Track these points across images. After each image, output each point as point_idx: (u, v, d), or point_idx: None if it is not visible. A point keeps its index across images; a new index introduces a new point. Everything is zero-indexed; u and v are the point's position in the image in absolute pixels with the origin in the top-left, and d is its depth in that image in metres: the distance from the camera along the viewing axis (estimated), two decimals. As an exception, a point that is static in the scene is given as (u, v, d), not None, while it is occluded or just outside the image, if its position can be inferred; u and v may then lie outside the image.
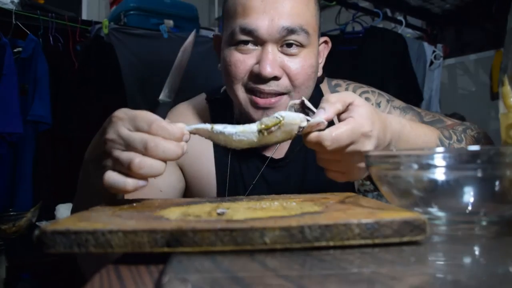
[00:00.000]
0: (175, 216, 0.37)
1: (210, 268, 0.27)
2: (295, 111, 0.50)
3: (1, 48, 1.65)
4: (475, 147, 0.38)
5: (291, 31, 0.61)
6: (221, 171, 0.72)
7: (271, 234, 0.30)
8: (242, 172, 0.73)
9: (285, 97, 0.64)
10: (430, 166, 0.37)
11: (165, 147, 0.42)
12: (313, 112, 0.49)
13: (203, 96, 0.80)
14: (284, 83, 0.62)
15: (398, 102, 0.77)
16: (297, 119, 0.47)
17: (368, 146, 0.48)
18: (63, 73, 1.86)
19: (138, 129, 0.43)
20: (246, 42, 0.62)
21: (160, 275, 0.28)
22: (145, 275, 0.29)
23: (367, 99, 0.76)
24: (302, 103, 0.50)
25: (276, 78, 0.61)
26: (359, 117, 0.47)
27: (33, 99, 1.72)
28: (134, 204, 0.46)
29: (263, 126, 0.46)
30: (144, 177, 0.42)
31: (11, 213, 1.56)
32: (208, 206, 0.43)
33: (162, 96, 0.53)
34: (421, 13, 2.53)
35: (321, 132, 0.46)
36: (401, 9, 2.45)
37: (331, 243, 0.31)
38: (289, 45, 0.62)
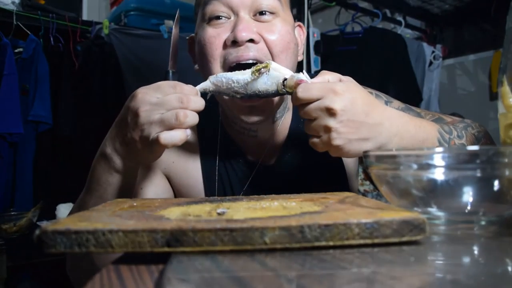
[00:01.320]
0: (175, 216, 0.37)
1: (210, 268, 0.27)
2: None
3: (2, 49, 1.65)
4: (474, 147, 0.38)
5: None
6: (209, 180, 0.72)
7: (271, 234, 0.30)
8: (231, 180, 0.72)
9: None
10: (429, 166, 0.37)
11: (194, 99, 0.51)
12: None
13: None
14: (263, 48, 0.61)
15: (396, 103, 0.77)
16: (283, 70, 0.55)
17: (336, 103, 0.49)
18: (63, 73, 1.86)
19: (166, 94, 0.51)
20: (218, 17, 0.62)
21: (160, 274, 0.28)
22: (145, 274, 0.29)
23: None
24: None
25: (253, 41, 0.60)
26: (337, 81, 0.52)
27: (33, 99, 1.73)
28: (134, 204, 0.47)
29: (255, 67, 0.55)
30: (188, 127, 0.50)
31: (12, 213, 1.56)
32: (208, 206, 0.44)
33: (169, 67, 0.61)
34: (420, 14, 2.53)
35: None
36: (400, 9, 2.45)
37: (331, 243, 0.31)
38: (262, 13, 0.62)
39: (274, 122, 0.71)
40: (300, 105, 0.52)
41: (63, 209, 1.68)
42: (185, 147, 0.72)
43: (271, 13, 0.62)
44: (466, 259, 0.31)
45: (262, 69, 0.55)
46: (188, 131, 0.51)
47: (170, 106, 0.50)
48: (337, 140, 0.50)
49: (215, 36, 0.62)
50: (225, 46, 0.62)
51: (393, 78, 2.24)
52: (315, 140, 0.53)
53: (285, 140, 0.73)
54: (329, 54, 2.19)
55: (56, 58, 1.85)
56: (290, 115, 0.74)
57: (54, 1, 2.01)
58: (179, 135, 0.50)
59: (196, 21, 0.70)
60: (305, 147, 0.72)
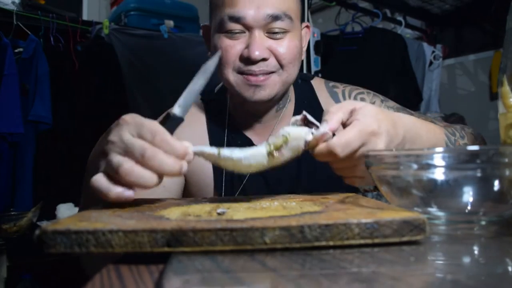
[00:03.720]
0: (175, 216, 0.37)
1: (210, 267, 0.27)
2: (298, 126, 0.49)
3: (2, 49, 1.65)
4: (474, 147, 0.38)
5: (275, 17, 0.65)
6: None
7: (271, 233, 0.30)
8: None
9: (273, 75, 0.68)
10: (429, 166, 0.37)
11: (162, 160, 0.41)
12: (317, 126, 0.48)
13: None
14: (272, 63, 0.67)
15: (392, 103, 0.79)
16: (302, 133, 0.46)
17: (380, 144, 0.47)
18: (63, 73, 1.86)
19: (141, 137, 0.42)
20: (234, 31, 0.66)
21: (160, 274, 0.28)
22: (145, 274, 0.29)
23: (362, 99, 0.79)
24: (305, 118, 0.49)
25: (264, 59, 0.66)
26: (363, 118, 0.47)
27: (33, 99, 1.72)
28: (134, 204, 0.46)
29: (271, 147, 0.44)
30: (131, 186, 0.41)
31: (12, 213, 1.56)
32: (208, 206, 0.44)
33: (174, 110, 0.49)
34: (420, 14, 2.53)
35: (330, 141, 0.45)
36: (400, 9, 2.45)
37: (331, 243, 0.31)
38: (275, 32, 0.67)
39: (277, 111, 0.76)
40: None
41: (63, 209, 1.68)
42: (195, 134, 0.76)
43: (283, 32, 0.67)
44: (466, 259, 0.31)
45: (282, 148, 0.45)
46: (127, 193, 0.41)
47: (130, 152, 0.41)
48: None
49: (231, 46, 0.67)
50: (240, 57, 0.67)
51: (393, 78, 2.24)
52: (356, 179, 0.51)
53: None
54: (329, 54, 2.18)
55: (56, 58, 1.84)
56: (292, 106, 0.79)
57: (54, 1, 2.01)
58: (107, 189, 0.41)
59: (211, 19, 0.72)
60: None
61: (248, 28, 0.66)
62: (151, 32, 2.04)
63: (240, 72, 0.68)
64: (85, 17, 2.43)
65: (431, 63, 2.52)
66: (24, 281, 1.52)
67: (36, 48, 1.74)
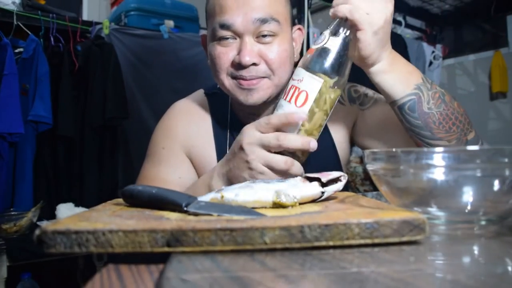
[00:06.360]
0: (175, 215, 0.37)
1: (210, 267, 0.27)
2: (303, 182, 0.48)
3: (2, 49, 1.65)
4: (474, 147, 0.38)
5: (262, 21, 0.68)
6: (221, 157, 0.79)
7: (271, 233, 0.30)
8: None
9: (265, 80, 0.71)
10: (429, 166, 0.37)
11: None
12: (320, 180, 0.46)
13: (201, 91, 0.88)
14: (262, 68, 0.69)
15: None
16: (311, 196, 0.45)
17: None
18: (63, 73, 1.85)
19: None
20: (226, 37, 0.69)
21: (160, 274, 0.28)
22: (145, 274, 0.29)
23: (355, 91, 0.84)
24: (306, 177, 0.48)
25: (255, 64, 0.69)
26: None
27: (33, 99, 1.72)
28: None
29: (278, 200, 0.43)
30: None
31: (12, 213, 1.56)
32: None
33: None
34: (420, 14, 2.53)
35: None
36: (400, 9, 2.45)
37: (331, 243, 0.31)
38: (263, 35, 0.69)
39: (274, 110, 0.80)
40: None
41: (63, 209, 1.67)
42: (202, 132, 0.82)
43: (272, 35, 0.69)
44: (466, 259, 0.31)
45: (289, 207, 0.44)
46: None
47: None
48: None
49: (224, 53, 0.70)
50: (232, 63, 0.70)
51: (393, 78, 2.23)
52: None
53: None
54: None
55: (56, 58, 1.84)
56: None
57: (54, 1, 2.01)
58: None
59: (208, 30, 0.76)
60: None
61: (239, 34, 0.69)
62: (151, 32, 2.04)
63: (233, 77, 0.71)
64: (85, 17, 2.43)
65: (431, 63, 2.52)
66: (24, 281, 1.51)
67: (36, 48, 1.74)
